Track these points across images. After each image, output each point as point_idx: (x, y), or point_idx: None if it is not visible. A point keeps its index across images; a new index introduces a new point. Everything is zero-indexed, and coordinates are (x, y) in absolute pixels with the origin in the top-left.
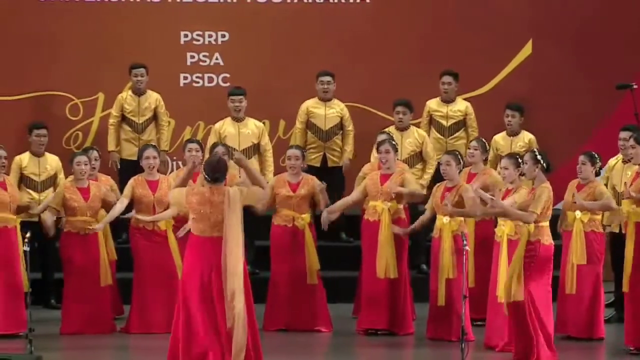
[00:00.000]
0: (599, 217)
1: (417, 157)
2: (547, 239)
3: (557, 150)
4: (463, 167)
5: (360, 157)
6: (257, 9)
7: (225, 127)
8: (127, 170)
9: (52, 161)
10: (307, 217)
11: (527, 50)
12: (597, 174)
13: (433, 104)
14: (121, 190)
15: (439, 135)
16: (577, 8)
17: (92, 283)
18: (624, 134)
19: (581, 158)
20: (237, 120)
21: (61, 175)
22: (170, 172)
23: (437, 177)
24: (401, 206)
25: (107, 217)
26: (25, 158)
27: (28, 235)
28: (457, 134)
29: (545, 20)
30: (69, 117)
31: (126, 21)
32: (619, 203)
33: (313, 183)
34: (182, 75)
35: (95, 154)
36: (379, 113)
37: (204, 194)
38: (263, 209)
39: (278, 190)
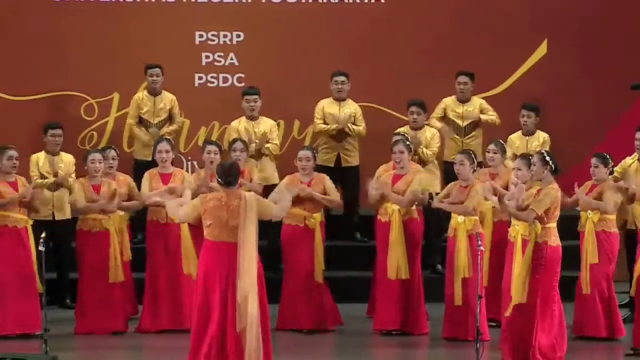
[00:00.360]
0: (611, 217)
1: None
2: (555, 240)
3: (571, 149)
4: (477, 167)
5: (374, 157)
6: (272, 9)
7: (241, 126)
8: (142, 170)
9: (66, 160)
10: (318, 216)
11: (541, 50)
12: (611, 173)
13: (449, 101)
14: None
15: (455, 135)
16: (592, 8)
17: (104, 281)
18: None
19: (593, 161)
20: (252, 119)
21: (73, 176)
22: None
23: (451, 177)
24: (413, 206)
25: (124, 204)
26: (41, 157)
27: (43, 235)
28: (472, 134)
29: (560, 21)
30: (84, 117)
31: (141, 21)
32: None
33: (324, 180)
34: (197, 76)
35: (113, 153)
36: (393, 113)
37: (220, 198)
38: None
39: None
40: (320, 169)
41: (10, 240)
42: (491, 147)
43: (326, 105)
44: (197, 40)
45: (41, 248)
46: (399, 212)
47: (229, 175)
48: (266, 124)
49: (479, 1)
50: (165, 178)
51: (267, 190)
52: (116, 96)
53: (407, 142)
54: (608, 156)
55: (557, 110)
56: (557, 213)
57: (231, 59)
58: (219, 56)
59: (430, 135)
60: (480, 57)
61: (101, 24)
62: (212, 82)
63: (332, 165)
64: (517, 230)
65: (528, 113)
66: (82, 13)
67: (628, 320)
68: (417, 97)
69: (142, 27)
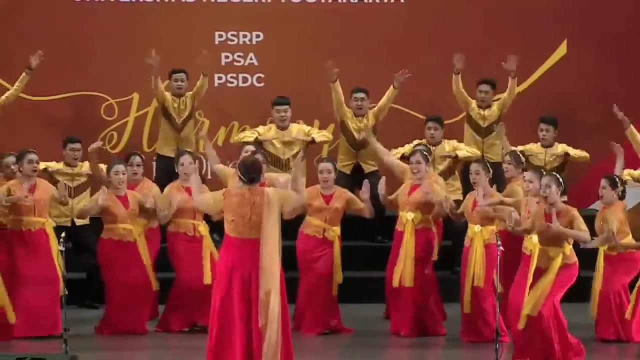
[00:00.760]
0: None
1: (450, 172)
2: (574, 257)
3: (591, 150)
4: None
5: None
6: (292, 9)
7: (270, 134)
8: (163, 168)
9: (86, 168)
10: (337, 229)
11: (561, 50)
12: (622, 197)
13: (473, 103)
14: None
15: (476, 135)
16: (612, 8)
17: (132, 289)
18: None
19: (602, 181)
20: (282, 129)
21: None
22: (204, 172)
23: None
24: (429, 217)
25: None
26: (59, 165)
27: (63, 235)
28: (492, 134)
29: (579, 21)
30: (104, 117)
31: (161, 21)
32: None
33: (345, 195)
34: (216, 76)
35: (137, 159)
36: (414, 113)
37: (244, 195)
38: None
39: (311, 202)
40: (340, 175)
41: (27, 244)
42: (506, 158)
43: (345, 116)
44: (217, 40)
45: (61, 248)
46: (412, 223)
47: (252, 172)
48: (295, 130)
49: (497, 1)
50: (190, 190)
51: None
52: (136, 96)
53: (425, 152)
54: (617, 179)
55: (576, 110)
56: None
57: (251, 59)
58: (238, 56)
59: (449, 148)
60: (500, 58)
61: (121, 24)
62: (232, 82)
63: (348, 172)
64: (534, 243)
65: (547, 127)
66: (102, 14)
67: None
68: (437, 97)
69: (162, 27)
